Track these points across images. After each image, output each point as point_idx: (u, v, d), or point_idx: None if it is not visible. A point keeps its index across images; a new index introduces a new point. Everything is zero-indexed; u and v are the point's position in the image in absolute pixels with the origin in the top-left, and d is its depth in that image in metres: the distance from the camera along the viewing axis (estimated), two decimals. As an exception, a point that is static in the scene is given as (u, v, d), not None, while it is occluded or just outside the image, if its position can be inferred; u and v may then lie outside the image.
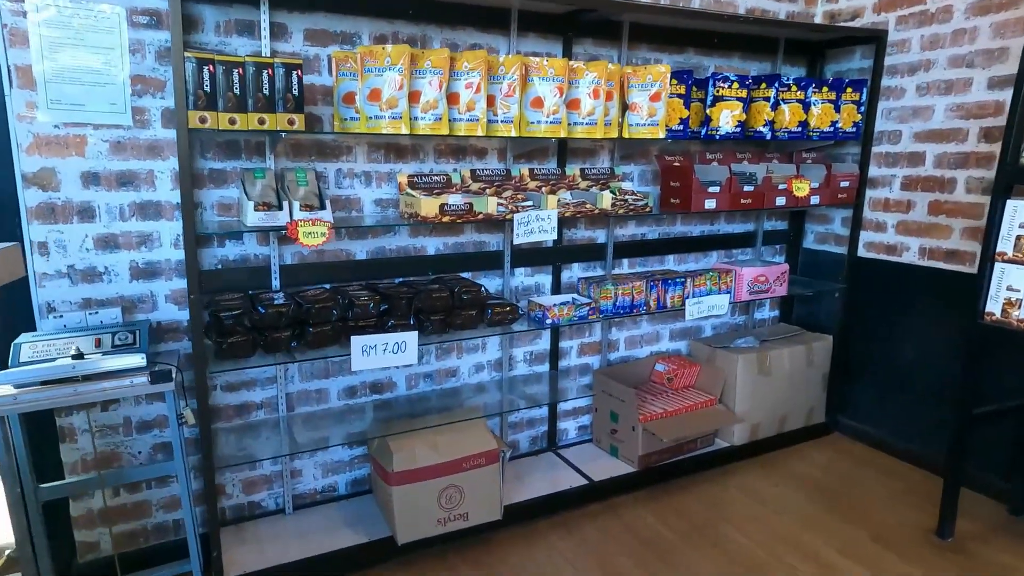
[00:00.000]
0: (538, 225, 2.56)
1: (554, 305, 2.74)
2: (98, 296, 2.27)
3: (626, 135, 2.81)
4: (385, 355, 2.35)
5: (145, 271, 2.33)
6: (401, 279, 2.76)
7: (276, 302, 2.28)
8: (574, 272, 3.22)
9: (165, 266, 2.35)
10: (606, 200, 2.71)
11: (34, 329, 2.20)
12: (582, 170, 2.97)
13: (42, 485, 2.24)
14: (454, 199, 2.38)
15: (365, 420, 2.80)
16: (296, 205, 2.18)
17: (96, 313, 2.25)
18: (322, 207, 2.25)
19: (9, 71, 2.05)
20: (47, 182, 2.15)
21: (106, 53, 2.15)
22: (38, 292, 2.19)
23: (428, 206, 2.34)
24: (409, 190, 2.54)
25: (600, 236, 3.25)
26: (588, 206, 2.70)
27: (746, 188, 3.03)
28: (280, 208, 2.17)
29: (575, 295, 2.97)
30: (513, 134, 2.52)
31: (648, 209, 2.85)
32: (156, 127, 2.24)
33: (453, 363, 3.00)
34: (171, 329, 2.41)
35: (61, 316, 2.20)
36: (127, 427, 2.40)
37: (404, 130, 2.29)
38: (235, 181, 2.39)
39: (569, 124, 2.63)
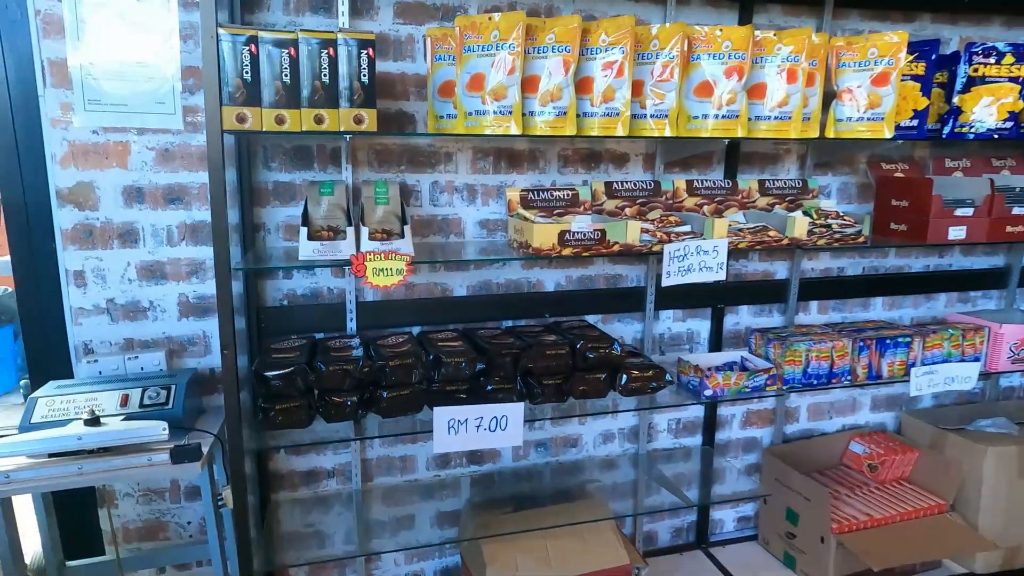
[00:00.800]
0: (699, 260, 1.81)
1: (716, 369, 1.97)
2: (141, 336, 1.87)
3: (831, 134, 1.97)
4: (479, 433, 1.73)
5: (196, 307, 1.90)
6: (510, 322, 2.14)
7: (343, 355, 1.74)
8: (742, 317, 2.41)
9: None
10: (799, 225, 1.90)
11: (70, 375, 1.83)
12: (761, 183, 2.16)
13: (69, 563, 1.87)
14: (580, 224, 1.70)
15: (459, 497, 2.21)
16: (365, 232, 1.62)
17: (136, 358, 1.84)
18: (401, 234, 1.68)
19: (43, 67, 1.69)
20: (84, 199, 1.77)
21: (153, 40, 1.73)
22: (74, 331, 1.82)
23: (543, 235, 1.69)
24: (521, 210, 1.91)
25: (780, 270, 2.41)
26: (772, 233, 1.91)
27: (1016, 210, 2.05)
28: (345, 235, 1.62)
29: (746, 354, 2.17)
30: (667, 134, 1.79)
31: (862, 240, 1.99)
32: (210, 130, 1.79)
33: (574, 430, 2.32)
34: (226, 378, 1.96)
35: (96, 360, 1.81)
36: (174, 493, 1.99)
37: (514, 130, 1.65)
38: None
39: (750, 119, 1.85)
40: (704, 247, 1.81)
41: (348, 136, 1.66)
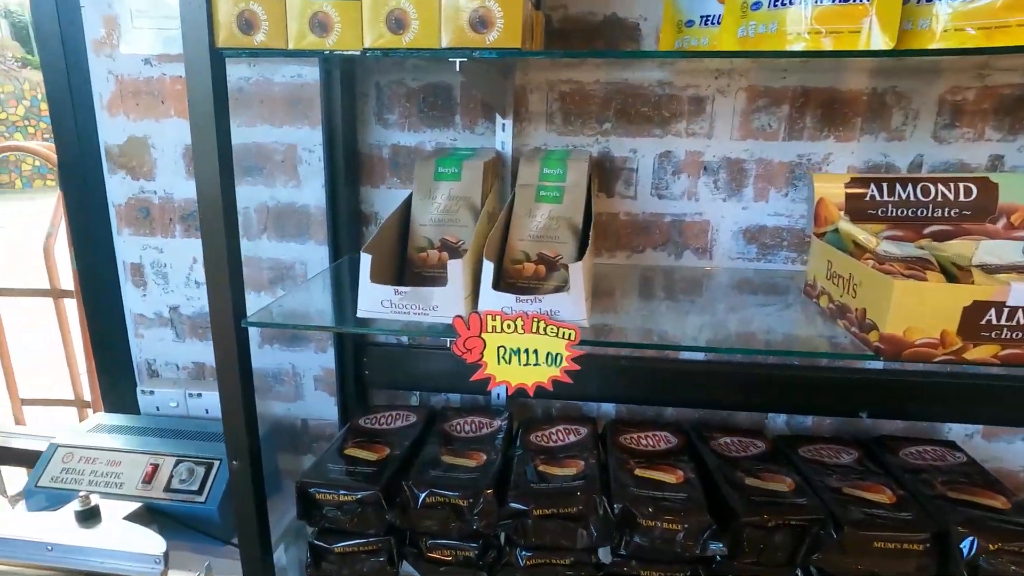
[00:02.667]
0: None
1: None
2: (213, 363, 1.30)
3: None
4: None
5: (282, 330, 1.27)
6: (783, 419, 1.16)
7: (459, 463, 0.97)
8: None
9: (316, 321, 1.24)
10: None
11: (135, 407, 1.34)
12: None
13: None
14: None
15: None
16: (488, 272, 0.77)
17: (200, 396, 1.28)
18: (564, 280, 0.80)
19: (83, -40, 1.12)
20: (138, 162, 1.21)
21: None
22: (136, 345, 1.32)
23: (919, 307, 0.67)
24: (846, 223, 0.89)
25: None
26: None
27: None
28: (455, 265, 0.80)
29: None
30: None
31: None
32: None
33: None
34: (320, 436, 1.32)
35: (153, 392, 1.29)
36: None
37: (878, 42, 0.65)
38: (436, 173, 1.10)
39: None
40: None
41: (477, 53, 0.82)
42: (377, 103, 1.12)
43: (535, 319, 0.73)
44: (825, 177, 0.92)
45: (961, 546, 0.80)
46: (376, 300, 0.76)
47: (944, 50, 0.67)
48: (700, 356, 1.16)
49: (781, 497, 0.90)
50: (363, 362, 1.21)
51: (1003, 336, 0.64)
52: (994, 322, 0.64)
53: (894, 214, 0.88)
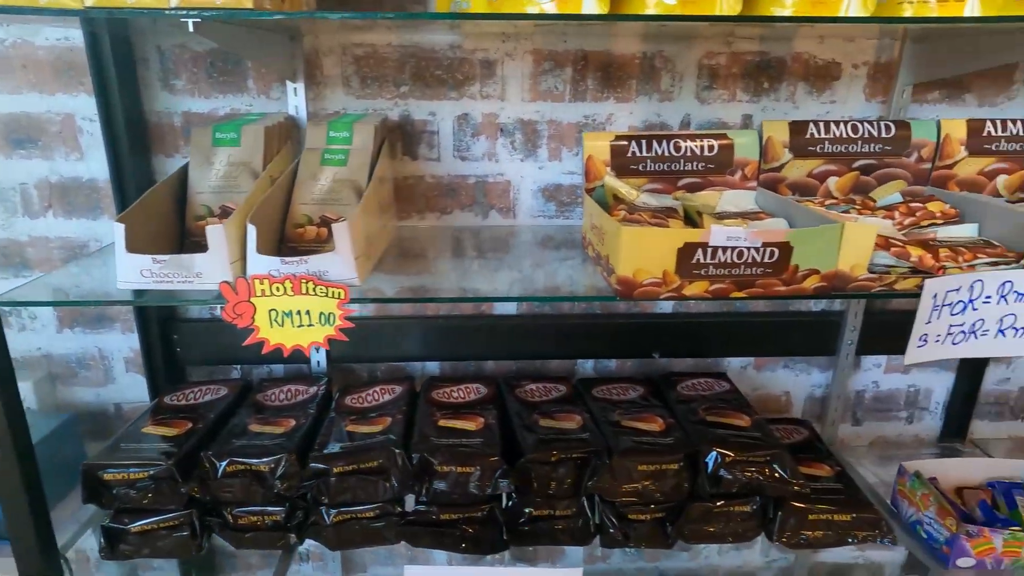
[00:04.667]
0: (999, 313, 0.80)
1: (984, 513, 0.99)
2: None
3: None
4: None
5: (83, 312, 1.20)
6: (591, 364, 1.26)
7: (268, 433, 0.98)
8: (1018, 371, 1.34)
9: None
10: None
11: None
12: None
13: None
14: (727, 234, 0.74)
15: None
16: (252, 235, 0.77)
17: (-8, 389, 1.18)
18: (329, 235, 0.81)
19: None
20: None
21: None
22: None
23: (642, 250, 0.75)
24: (612, 179, 0.97)
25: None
26: None
27: None
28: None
29: (1035, 462, 1.13)
30: (932, 13, 0.75)
31: None
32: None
33: None
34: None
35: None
36: None
37: (592, 7, 0.71)
38: (232, 141, 1.07)
39: None
40: (1020, 283, 0.79)
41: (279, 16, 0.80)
42: (162, 68, 1.06)
43: (303, 280, 0.75)
44: (593, 136, 0.99)
45: (707, 460, 0.92)
46: (135, 270, 0.74)
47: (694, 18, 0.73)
48: (512, 310, 1.23)
49: (568, 434, 0.98)
50: (173, 339, 1.17)
51: (710, 273, 0.73)
52: (702, 261, 0.73)
53: (653, 168, 0.97)
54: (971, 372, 1.31)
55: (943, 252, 0.81)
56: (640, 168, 0.97)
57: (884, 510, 1.11)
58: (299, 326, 0.77)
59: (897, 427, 1.37)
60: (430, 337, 1.20)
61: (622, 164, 0.97)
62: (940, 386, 1.35)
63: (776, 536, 0.97)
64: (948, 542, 0.98)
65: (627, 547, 0.97)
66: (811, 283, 0.77)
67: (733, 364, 1.28)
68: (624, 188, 0.92)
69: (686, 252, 0.72)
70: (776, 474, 0.94)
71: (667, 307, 1.23)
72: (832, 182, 0.98)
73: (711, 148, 0.97)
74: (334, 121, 0.95)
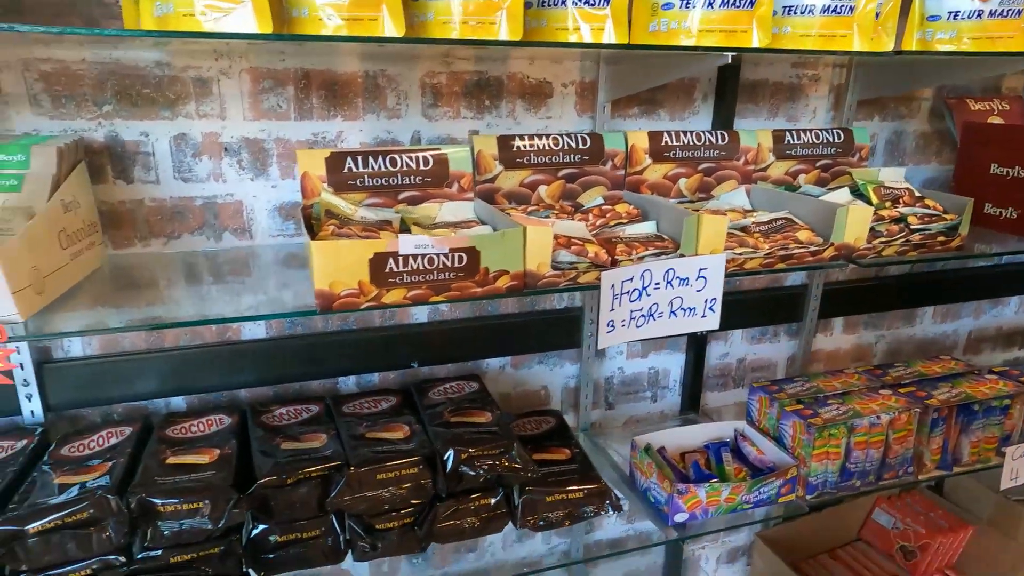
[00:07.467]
0: (670, 296, 0.93)
1: (696, 472, 1.14)
2: None
3: (913, 46, 1.07)
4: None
5: None
6: (352, 380, 1.25)
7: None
8: (733, 345, 1.56)
9: None
10: (856, 221, 1.02)
11: None
12: (777, 136, 1.26)
13: None
14: (414, 242, 0.78)
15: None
16: None
17: None
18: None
19: None
20: None
21: None
22: None
23: (334, 262, 0.76)
24: (329, 195, 0.98)
25: (793, 275, 1.55)
26: (803, 236, 1.03)
27: None
28: None
29: (743, 426, 1.32)
30: (613, 40, 0.87)
31: (958, 243, 1.13)
32: None
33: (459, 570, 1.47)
34: None
35: None
36: None
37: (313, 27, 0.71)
38: None
39: (776, 13, 0.94)
40: (682, 270, 0.92)
41: None
42: None
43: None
44: (307, 153, 0.99)
45: (445, 459, 0.96)
46: None
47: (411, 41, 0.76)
48: (262, 333, 1.19)
49: (309, 454, 0.97)
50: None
51: (405, 281, 0.77)
52: (395, 269, 0.76)
53: (372, 184, 1.00)
54: (697, 350, 1.50)
55: (620, 247, 0.92)
56: (359, 183, 0.99)
57: (625, 483, 1.23)
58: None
59: (645, 406, 1.53)
60: (166, 371, 1.12)
61: (341, 180, 0.99)
62: (675, 365, 1.53)
63: (520, 522, 1.04)
64: (667, 501, 1.11)
65: (378, 557, 0.98)
66: (503, 283, 0.83)
67: (493, 365, 1.35)
68: (343, 204, 0.94)
69: (378, 262, 0.75)
70: (510, 464, 1.00)
71: (422, 316, 1.27)
72: (543, 190, 1.08)
73: (427, 162, 1.02)
74: (7, 144, 0.86)
